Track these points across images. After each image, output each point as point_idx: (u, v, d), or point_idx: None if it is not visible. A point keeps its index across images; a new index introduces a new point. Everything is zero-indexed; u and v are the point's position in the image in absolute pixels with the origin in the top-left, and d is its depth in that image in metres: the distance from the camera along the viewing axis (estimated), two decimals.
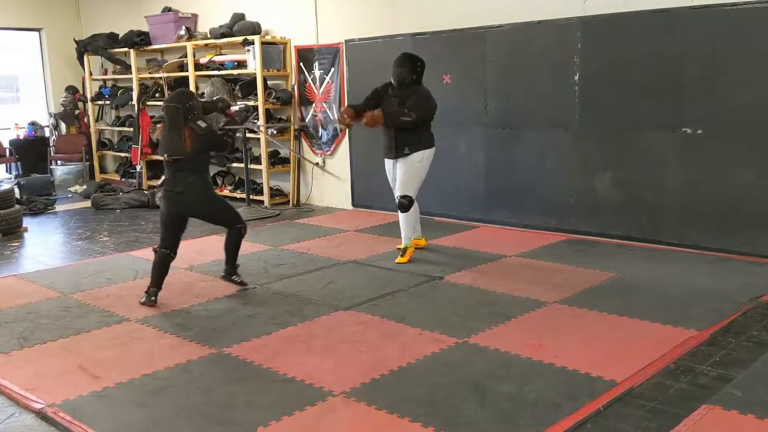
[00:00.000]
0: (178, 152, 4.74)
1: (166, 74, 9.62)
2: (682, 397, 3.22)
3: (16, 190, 8.63)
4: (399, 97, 5.60)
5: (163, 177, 4.96)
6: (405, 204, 5.66)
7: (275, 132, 8.54)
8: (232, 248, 5.18)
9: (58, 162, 10.85)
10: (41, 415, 3.26)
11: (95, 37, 10.44)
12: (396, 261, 5.68)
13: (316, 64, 8.24)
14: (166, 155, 4.79)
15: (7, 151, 10.48)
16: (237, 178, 9.28)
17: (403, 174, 5.65)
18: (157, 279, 4.87)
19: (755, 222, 5.48)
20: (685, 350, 3.75)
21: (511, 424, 3.00)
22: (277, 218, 7.87)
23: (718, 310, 4.34)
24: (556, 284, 5.00)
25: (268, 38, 8.45)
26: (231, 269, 5.22)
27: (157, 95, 9.96)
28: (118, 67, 10.47)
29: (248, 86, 8.59)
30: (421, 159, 5.62)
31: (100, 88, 10.97)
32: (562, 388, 3.31)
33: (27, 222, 7.77)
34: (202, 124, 4.83)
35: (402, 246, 5.77)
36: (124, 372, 3.66)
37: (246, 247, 6.40)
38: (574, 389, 3.30)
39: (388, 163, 5.82)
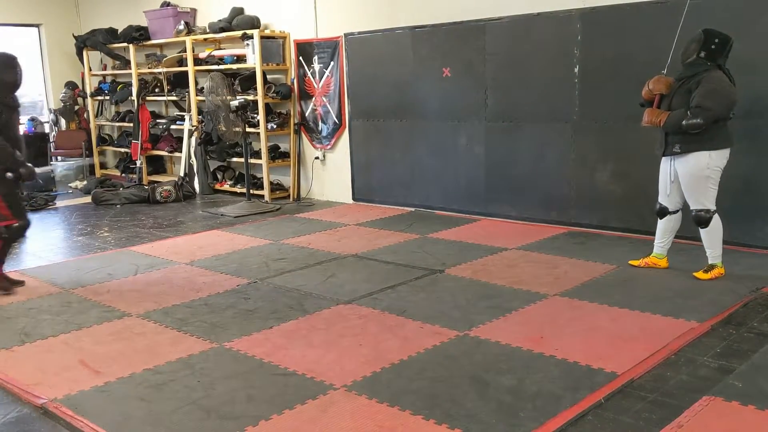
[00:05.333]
0: None
1: (165, 69, 9.60)
2: (682, 388, 3.22)
3: None
4: (683, 81, 4.65)
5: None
6: (704, 218, 4.68)
7: (275, 127, 8.56)
8: None
9: (59, 158, 10.85)
10: (43, 410, 3.26)
11: (94, 32, 10.41)
12: (694, 274, 4.84)
13: (316, 58, 8.22)
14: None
15: None
16: (237, 172, 9.28)
17: (688, 184, 4.70)
18: None
19: (756, 213, 5.47)
20: (685, 342, 3.75)
21: (512, 416, 3.01)
22: (278, 213, 7.87)
23: (719, 302, 4.34)
24: (557, 277, 5.00)
25: (267, 32, 8.44)
26: None
27: (156, 90, 9.96)
28: (118, 62, 10.46)
29: (248, 81, 8.58)
30: (707, 165, 4.59)
31: (100, 83, 10.95)
32: (562, 381, 3.32)
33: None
34: None
35: (710, 263, 4.84)
36: (126, 367, 3.67)
37: (247, 241, 6.43)
38: (574, 381, 3.30)
39: (664, 163, 4.86)
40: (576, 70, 6.21)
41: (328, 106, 8.24)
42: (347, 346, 3.87)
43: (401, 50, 7.40)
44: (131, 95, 10.12)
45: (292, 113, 8.61)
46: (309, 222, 7.29)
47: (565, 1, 6.16)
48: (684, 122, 4.52)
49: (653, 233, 5.92)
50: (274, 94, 8.47)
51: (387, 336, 3.98)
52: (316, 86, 8.32)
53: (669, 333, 3.86)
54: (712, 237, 4.77)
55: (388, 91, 7.62)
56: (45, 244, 6.78)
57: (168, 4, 9.50)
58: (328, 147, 8.38)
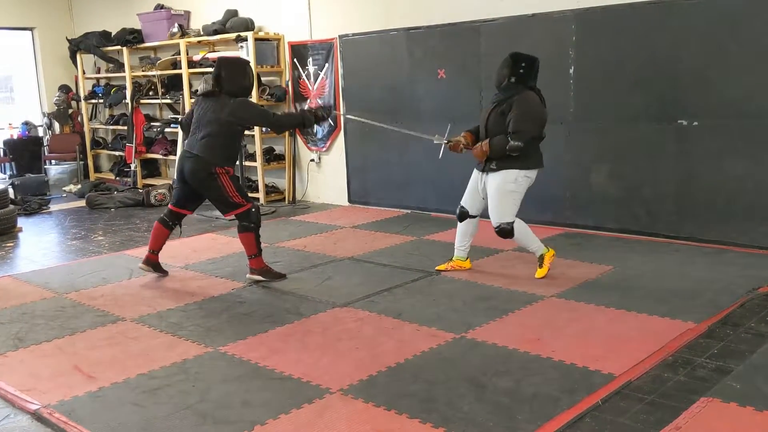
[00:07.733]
0: None
1: (159, 72, 9.57)
2: (680, 390, 3.21)
3: (11, 190, 8.59)
4: (498, 103, 4.83)
5: None
6: (507, 230, 4.85)
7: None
8: None
9: (53, 161, 10.80)
10: (37, 416, 3.24)
11: (88, 35, 10.38)
12: (535, 276, 4.99)
13: (310, 59, 8.21)
14: None
15: (1, 151, 10.43)
16: None
17: (493, 198, 4.87)
18: None
19: (752, 213, 5.48)
20: (683, 343, 3.74)
21: (509, 418, 2.99)
22: (273, 215, 7.84)
23: (716, 302, 4.33)
24: (553, 278, 4.98)
25: (261, 34, 8.42)
26: None
27: (150, 93, 9.92)
28: (111, 65, 10.43)
29: None
30: (515, 179, 4.78)
31: (94, 86, 10.92)
32: (560, 382, 3.30)
33: (21, 222, 7.73)
34: None
35: (537, 256, 5.03)
36: (120, 372, 3.64)
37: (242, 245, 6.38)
38: (572, 383, 3.29)
39: (476, 173, 5.08)
40: (571, 71, 6.20)
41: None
42: (343, 349, 3.85)
43: (396, 52, 7.38)
44: (125, 98, 10.08)
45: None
46: (304, 225, 7.27)
47: (560, 2, 6.16)
48: (507, 147, 4.70)
49: (649, 234, 5.96)
50: (269, 97, 8.45)
51: (383, 339, 3.96)
52: (310, 88, 8.30)
53: (666, 334, 3.85)
54: (523, 238, 4.94)
55: (383, 92, 7.60)
56: (39, 248, 6.75)
57: (162, 7, 9.47)
58: (324, 149, 8.36)
